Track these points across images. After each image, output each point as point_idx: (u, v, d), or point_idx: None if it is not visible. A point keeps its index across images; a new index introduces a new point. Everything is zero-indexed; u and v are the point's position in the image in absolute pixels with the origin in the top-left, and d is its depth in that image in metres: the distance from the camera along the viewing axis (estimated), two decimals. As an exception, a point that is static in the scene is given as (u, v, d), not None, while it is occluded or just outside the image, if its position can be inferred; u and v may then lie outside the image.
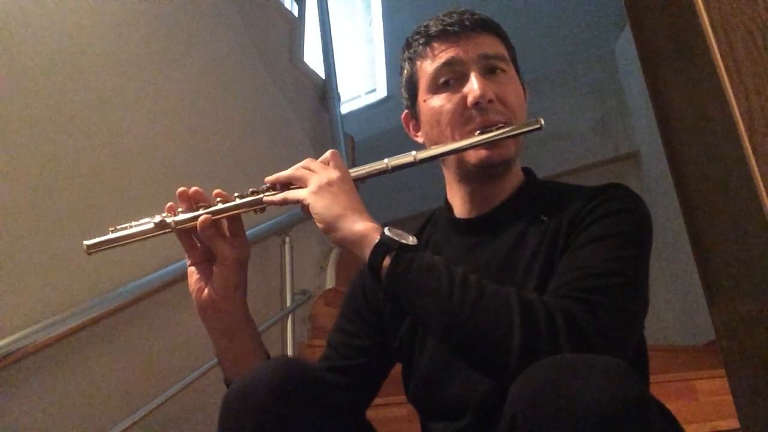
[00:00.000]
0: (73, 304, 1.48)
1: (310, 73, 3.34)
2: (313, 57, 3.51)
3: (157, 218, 0.87)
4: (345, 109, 4.05)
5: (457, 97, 0.93)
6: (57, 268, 1.50)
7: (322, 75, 3.43)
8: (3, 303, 1.37)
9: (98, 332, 1.55)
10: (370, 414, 1.03)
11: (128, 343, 1.65)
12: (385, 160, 0.89)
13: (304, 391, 0.76)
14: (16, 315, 1.38)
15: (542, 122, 0.90)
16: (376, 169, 0.90)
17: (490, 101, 0.91)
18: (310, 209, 0.82)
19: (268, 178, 0.88)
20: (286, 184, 0.87)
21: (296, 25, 3.30)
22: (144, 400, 1.57)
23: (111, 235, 0.88)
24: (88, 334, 1.51)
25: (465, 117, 0.92)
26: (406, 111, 1.05)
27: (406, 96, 1.03)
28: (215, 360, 1.72)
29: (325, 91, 3.36)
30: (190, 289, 0.90)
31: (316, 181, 0.83)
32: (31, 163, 1.52)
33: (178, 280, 1.69)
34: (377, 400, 1.05)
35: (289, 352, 2.21)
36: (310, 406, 0.76)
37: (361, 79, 4.96)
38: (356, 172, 0.89)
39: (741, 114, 0.62)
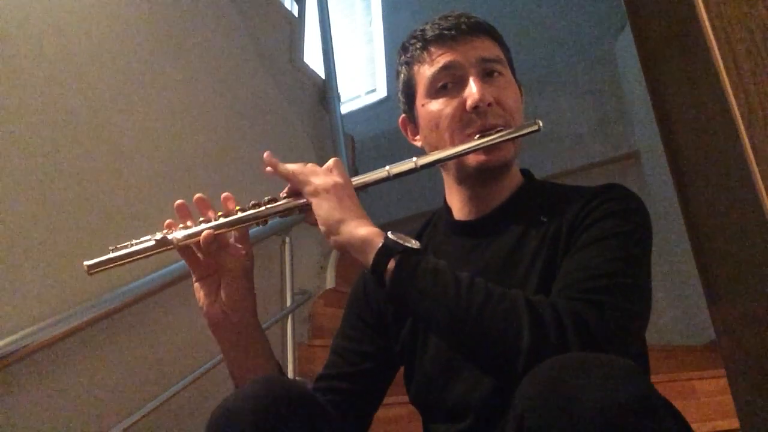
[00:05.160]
0: (73, 304, 1.48)
1: (310, 73, 3.34)
2: (313, 57, 3.51)
3: (159, 235, 0.86)
4: (345, 109, 4.05)
5: (455, 102, 0.93)
6: (57, 268, 1.50)
7: (322, 75, 3.43)
8: (3, 303, 1.37)
9: (98, 332, 1.55)
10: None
11: (128, 343, 1.65)
12: (386, 168, 0.89)
13: (290, 411, 0.75)
14: (16, 315, 1.38)
15: (540, 124, 0.91)
16: (377, 177, 0.90)
17: (489, 105, 0.91)
18: (313, 209, 0.83)
19: (279, 167, 0.86)
20: (290, 192, 0.87)
21: (296, 25, 3.30)
22: (144, 400, 1.58)
23: (111, 255, 0.87)
24: (88, 334, 1.51)
25: (464, 121, 0.92)
26: (403, 115, 1.05)
27: (404, 100, 1.03)
28: (215, 360, 1.73)
29: (325, 91, 3.35)
30: (200, 305, 0.89)
31: (320, 183, 0.84)
32: (31, 163, 1.52)
33: (178, 280, 1.69)
34: (378, 400, 1.05)
35: (289, 352, 2.20)
36: (297, 426, 0.75)
37: (361, 79, 4.96)
38: (357, 180, 0.89)
39: (741, 114, 0.62)
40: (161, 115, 1.99)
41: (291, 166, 0.87)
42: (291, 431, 0.74)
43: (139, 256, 0.87)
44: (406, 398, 1.01)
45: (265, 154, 0.87)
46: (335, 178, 0.85)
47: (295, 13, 3.39)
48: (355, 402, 0.97)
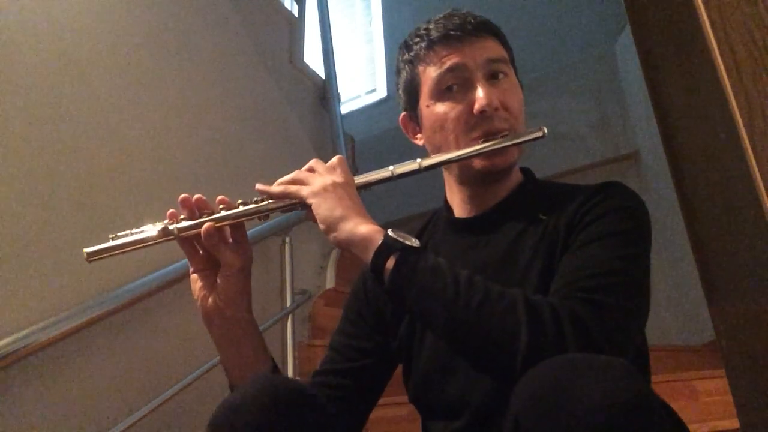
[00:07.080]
0: (73, 304, 1.48)
1: (310, 73, 3.34)
2: (313, 57, 3.50)
3: (160, 225, 0.86)
4: (345, 109, 4.04)
5: (462, 105, 0.92)
6: (57, 268, 1.50)
7: (322, 75, 3.43)
8: (3, 303, 1.37)
9: (98, 332, 1.55)
10: (371, 414, 1.03)
11: (128, 343, 1.65)
12: (390, 168, 0.90)
13: (293, 409, 0.76)
14: (16, 315, 1.38)
15: (545, 131, 0.91)
16: (380, 177, 0.90)
17: (496, 109, 0.91)
18: (312, 209, 0.83)
19: (272, 190, 0.87)
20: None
21: (296, 25, 3.30)
22: (144, 400, 1.57)
23: (111, 243, 0.88)
24: (88, 334, 1.51)
25: (470, 124, 0.92)
26: (404, 113, 1.04)
27: (406, 99, 1.02)
28: (215, 360, 1.73)
29: (325, 91, 3.35)
30: (195, 297, 0.90)
31: (320, 182, 0.84)
32: (31, 163, 1.52)
33: (178, 280, 1.69)
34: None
35: (289, 352, 2.21)
36: (299, 424, 0.76)
37: (361, 79, 4.96)
38: (361, 179, 0.89)
39: (741, 114, 0.62)
40: (161, 116, 1.99)
41: (291, 175, 0.87)
42: (291, 430, 0.75)
43: (139, 245, 0.87)
44: (405, 398, 1.01)
45: (257, 186, 0.87)
46: (336, 177, 0.85)
47: (295, 13, 3.39)
48: (351, 398, 0.97)
